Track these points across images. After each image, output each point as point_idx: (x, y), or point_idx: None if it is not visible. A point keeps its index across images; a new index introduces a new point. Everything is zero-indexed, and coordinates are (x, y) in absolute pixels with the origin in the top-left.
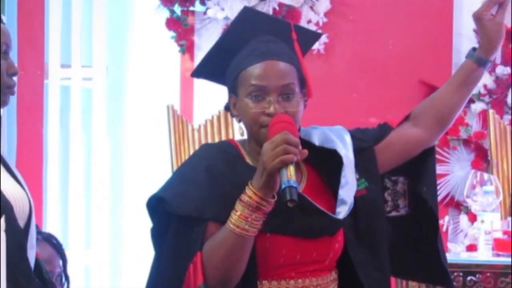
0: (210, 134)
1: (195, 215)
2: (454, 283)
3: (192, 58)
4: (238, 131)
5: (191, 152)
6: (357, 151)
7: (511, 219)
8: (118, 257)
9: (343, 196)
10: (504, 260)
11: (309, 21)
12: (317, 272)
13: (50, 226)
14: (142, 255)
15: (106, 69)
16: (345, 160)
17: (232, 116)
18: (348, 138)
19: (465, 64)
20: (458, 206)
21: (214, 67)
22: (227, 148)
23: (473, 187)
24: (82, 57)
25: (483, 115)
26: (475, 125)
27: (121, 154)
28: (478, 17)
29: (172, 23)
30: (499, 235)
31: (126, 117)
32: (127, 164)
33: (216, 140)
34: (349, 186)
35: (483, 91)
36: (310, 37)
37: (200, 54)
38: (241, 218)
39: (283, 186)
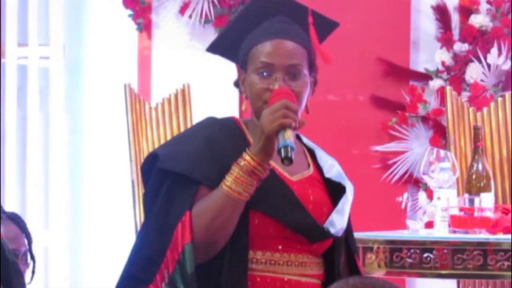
0: (167, 112)
1: (186, 173)
2: (411, 260)
3: (149, 36)
4: (242, 107)
5: (148, 130)
6: None
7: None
8: (78, 237)
9: (333, 218)
10: (460, 236)
11: None
12: (304, 251)
13: (8, 206)
14: (102, 234)
15: (63, 48)
16: (347, 193)
17: (241, 92)
18: (350, 201)
19: None
20: (416, 183)
21: (228, 44)
22: (230, 124)
23: (430, 164)
24: (39, 36)
25: (441, 92)
26: (433, 102)
27: (79, 133)
28: None
29: (129, 1)
30: (455, 211)
31: (84, 96)
32: (85, 144)
33: (174, 118)
34: (343, 216)
35: (441, 67)
36: (327, 24)
37: (157, 32)
38: (236, 181)
39: (279, 146)
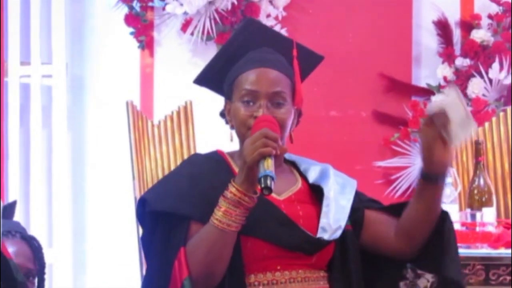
0: (170, 130)
1: (173, 211)
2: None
3: (151, 53)
4: (229, 138)
5: (151, 148)
6: (353, 207)
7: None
8: (81, 255)
9: (323, 224)
10: (462, 251)
11: (268, 15)
12: (304, 266)
13: None
14: (105, 251)
15: (65, 66)
16: (326, 193)
17: (227, 123)
18: (352, 192)
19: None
20: None
21: (214, 76)
22: (215, 157)
23: None
24: (42, 54)
25: None
26: None
27: (81, 151)
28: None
29: (131, 19)
30: (457, 226)
31: (86, 113)
32: (88, 161)
33: (176, 135)
34: (329, 218)
35: (443, 82)
36: (312, 58)
37: (159, 50)
38: (225, 214)
39: (259, 176)
